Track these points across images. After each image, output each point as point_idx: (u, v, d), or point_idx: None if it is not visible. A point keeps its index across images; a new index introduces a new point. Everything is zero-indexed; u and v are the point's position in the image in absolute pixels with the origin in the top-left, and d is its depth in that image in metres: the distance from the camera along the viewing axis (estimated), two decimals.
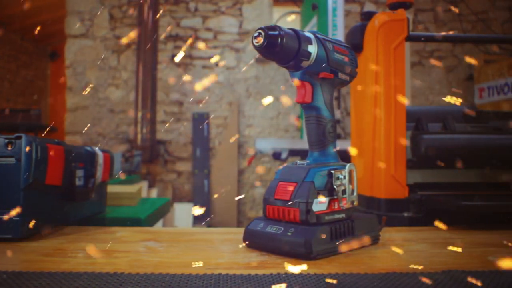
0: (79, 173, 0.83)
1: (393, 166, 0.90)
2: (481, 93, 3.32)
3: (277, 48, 0.54)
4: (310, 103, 0.60)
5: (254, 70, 3.55)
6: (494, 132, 0.97)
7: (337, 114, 2.88)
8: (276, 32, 0.54)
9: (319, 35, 0.60)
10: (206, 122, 3.48)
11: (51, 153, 0.68)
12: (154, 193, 3.28)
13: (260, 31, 0.55)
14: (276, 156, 2.41)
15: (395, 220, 0.90)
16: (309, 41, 0.57)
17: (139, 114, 3.18)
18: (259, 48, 0.55)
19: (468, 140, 0.91)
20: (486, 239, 0.68)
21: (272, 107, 3.56)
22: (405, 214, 0.89)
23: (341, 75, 0.63)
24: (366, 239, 0.62)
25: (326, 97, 0.61)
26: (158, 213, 1.14)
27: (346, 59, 0.63)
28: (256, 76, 3.55)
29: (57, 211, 0.75)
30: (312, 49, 0.58)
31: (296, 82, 0.60)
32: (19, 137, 0.63)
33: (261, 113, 3.56)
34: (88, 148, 0.88)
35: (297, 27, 3.04)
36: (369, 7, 3.66)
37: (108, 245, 0.62)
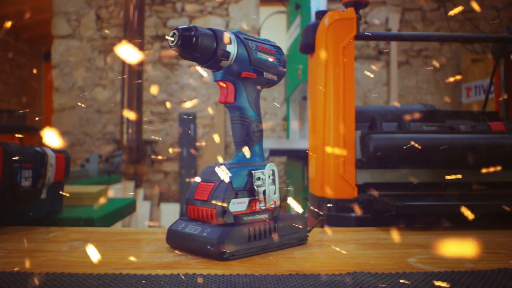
0: (26, 173, 0.83)
1: (341, 166, 0.90)
2: (468, 92, 3.31)
3: (192, 49, 0.54)
4: (233, 103, 0.60)
5: None
6: (446, 132, 0.97)
7: None
8: (191, 33, 0.54)
9: (241, 35, 0.60)
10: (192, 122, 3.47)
11: None
12: (140, 193, 3.29)
13: (174, 31, 0.54)
14: None
15: (344, 221, 0.89)
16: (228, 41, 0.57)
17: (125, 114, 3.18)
18: (173, 49, 0.55)
19: (417, 140, 0.90)
20: (418, 240, 0.67)
21: None
22: (352, 215, 0.88)
23: (267, 75, 0.62)
24: (290, 240, 0.62)
25: (250, 97, 0.61)
26: (117, 213, 1.13)
27: (271, 58, 0.63)
28: None
29: None
30: (231, 48, 0.57)
31: (218, 82, 0.60)
32: None
33: None
34: (38, 149, 0.88)
35: (283, 27, 2.99)
36: None
37: (32, 244, 0.62)
